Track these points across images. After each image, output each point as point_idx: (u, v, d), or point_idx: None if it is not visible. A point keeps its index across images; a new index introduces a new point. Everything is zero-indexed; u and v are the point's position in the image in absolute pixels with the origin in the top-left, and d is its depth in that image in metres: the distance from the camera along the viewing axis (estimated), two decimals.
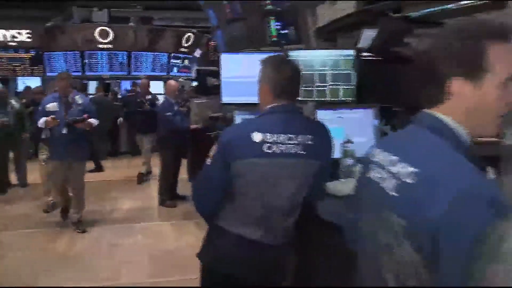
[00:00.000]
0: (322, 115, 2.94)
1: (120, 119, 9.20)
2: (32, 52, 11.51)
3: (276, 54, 2.16)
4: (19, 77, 12.27)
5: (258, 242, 2.04)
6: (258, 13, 5.72)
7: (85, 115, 5.12)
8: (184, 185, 6.98)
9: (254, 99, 2.17)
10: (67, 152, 5.14)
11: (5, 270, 4.41)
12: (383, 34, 2.93)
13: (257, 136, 1.95)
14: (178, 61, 12.45)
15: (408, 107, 3.14)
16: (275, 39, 5.63)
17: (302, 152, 1.98)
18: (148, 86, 7.97)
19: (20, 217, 6.00)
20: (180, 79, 8.76)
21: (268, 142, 1.94)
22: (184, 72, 12.66)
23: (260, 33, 5.71)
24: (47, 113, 5.06)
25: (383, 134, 3.10)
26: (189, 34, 12.55)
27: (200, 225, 5.62)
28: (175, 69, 12.40)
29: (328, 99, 3.27)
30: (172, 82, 6.50)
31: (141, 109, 7.59)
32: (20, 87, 11.49)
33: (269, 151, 1.94)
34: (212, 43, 15.99)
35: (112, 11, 15.80)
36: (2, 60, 11.57)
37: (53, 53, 11.39)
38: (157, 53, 11.93)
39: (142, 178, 8.12)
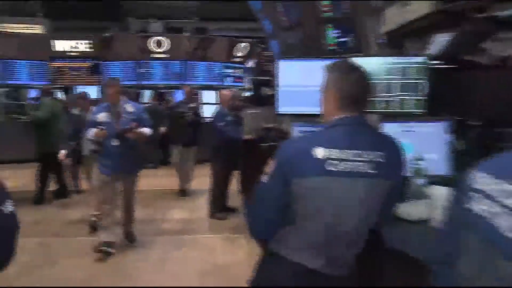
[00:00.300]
0: (388, 129, 2.66)
1: (163, 128, 8.99)
2: (91, 62, 11.80)
3: (343, 59, 1.91)
4: (78, 86, 12.59)
5: (319, 272, 1.80)
6: (315, 20, 5.50)
7: (134, 124, 4.71)
8: (235, 197, 6.82)
9: (314, 110, 1.93)
10: (118, 165, 4.79)
11: (55, 276, 4.37)
12: (461, 38, 2.61)
13: (320, 152, 1.71)
14: (232, 70, 12.39)
15: (486, 121, 2.80)
16: (332, 47, 5.38)
17: (371, 170, 1.72)
18: (192, 94, 7.69)
19: (77, 223, 6.04)
20: (233, 89, 8.60)
21: (332, 159, 1.70)
22: (237, 82, 12.58)
23: (317, 41, 5.47)
24: (96, 124, 4.73)
25: (457, 151, 2.78)
26: (242, 43, 12.47)
27: (251, 240, 5.43)
28: (228, 79, 12.34)
29: (395, 110, 2.97)
30: (225, 91, 6.37)
31: (182, 118, 7.17)
32: None
33: (334, 169, 1.70)
34: (265, 53, 15.91)
35: (168, 22, 16.11)
36: (63, 69, 11.94)
37: (110, 62, 11.62)
38: (211, 63, 11.91)
39: (184, 194, 7.79)
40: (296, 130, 2.91)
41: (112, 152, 4.75)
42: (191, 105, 7.36)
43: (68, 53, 11.86)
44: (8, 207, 1.66)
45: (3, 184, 1.65)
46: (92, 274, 4.49)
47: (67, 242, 5.40)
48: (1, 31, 11.70)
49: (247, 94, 12.10)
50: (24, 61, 11.73)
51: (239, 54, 12.45)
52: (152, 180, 8.69)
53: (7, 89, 12.18)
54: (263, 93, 5.96)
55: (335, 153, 1.71)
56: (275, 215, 1.83)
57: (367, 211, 1.76)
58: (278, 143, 5.79)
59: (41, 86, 11.53)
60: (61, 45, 11.80)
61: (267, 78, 6.51)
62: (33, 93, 12.31)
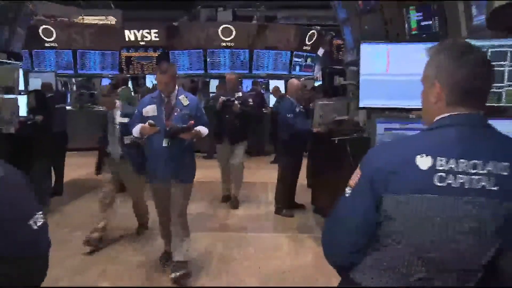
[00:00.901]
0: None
1: None
2: (159, 51, 11.83)
3: (455, 40, 1.47)
4: (148, 75, 12.70)
5: None
6: (396, 3, 4.97)
7: (191, 122, 3.78)
8: (302, 192, 6.46)
9: (405, 103, 1.51)
10: (168, 171, 3.88)
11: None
12: None
13: (424, 161, 1.30)
14: (301, 59, 11.93)
15: None
16: (415, 32, 4.83)
17: (491, 187, 1.28)
18: (236, 82, 6.44)
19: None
20: (302, 79, 8.14)
21: (441, 171, 1.29)
22: (306, 71, 12.12)
23: (397, 26, 4.94)
24: (144, 118, 3.90)
25: None
26: (312, 31, 11.97)
27: (319, 241, 5.04)
28: (297, 68, 11.90)
29: (504, 104, 2.46)
30: (294, 81, 5.98)
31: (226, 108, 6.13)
32: (149, 85, 11.90)
33: (442, 184, 1.28)
34: (336, 41, 15.29)
35: (237, 10, 15.89)
36: (133, 59, 12.06)
37: (177, 51, 11.57)
38: (279, 51, 11.51)
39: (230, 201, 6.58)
40: (381, 128, 2.48)
41: (160, 155, 3.82)
42: (238, 94, 6.23)
43: (138, 43, 11.95)
44: (38, 220, 1.44)
45: (31, 196, 1.41)
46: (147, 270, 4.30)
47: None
48: (76, 22, 11.98)
49: (317, 84, 11.62)
50: (97, 51, 11.97)
51: (309, 42, 11.97)
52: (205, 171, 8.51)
53: (79, 78, 12.53)
54: (337, 82, 5.48)
55: (444, 163, 1.29)
56: (359, 240, 1.44)
57: (484, 240, 1.33)
58: (351, 137, 5.37)
59: (111, 76, 11.78)
60: (131, 35, 11.92)
61: (340, 67, 5.99)
62: (104, 83, 12.58)
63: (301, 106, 5.99)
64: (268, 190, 7.40)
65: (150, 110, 3.91)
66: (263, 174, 8.50)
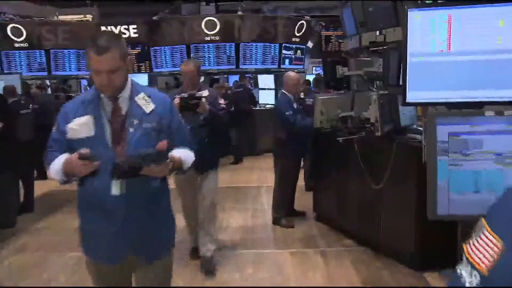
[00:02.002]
0: None
1: None
2: (139, 48, 11.03)
3: None
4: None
5: None
6: None
7: (162, 143, 1.96)
8: (299, 196, 5.82)
9: (478, 95, 0.89)
10: (124, 243, 2.18)
11: None
12: None
13: None
14: (290, 52, 11.20)
15: None
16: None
17: None
18: (196, 75, 4.06)
19: None
20: (295, 71, 7.37)
21: None
22: (297, 64, 11.40)
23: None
24: (71, 144, 2.94)
25: None
26: (301, 22, 11.26)
27: (328, 256, 4.39)
28: (286, 61, 11.17)
29: None
30: (291, 74, 5.27)
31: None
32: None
33: None
34: (325, 32, 14.64)
35: (220, 5, 15.11)
36: None
37: (159, 47, 10.79)
38: (267, 44, 10.78)
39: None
40: (443, 133, 1.78)
41: (106, 214, 2.12)
42: (201, 93, 3.87)
43: None
44: None
45: None
46: None
47: None
48: (48, 20, 11.13)
49: (308, 77, 10.96)
50: (72, 51, 11.15)
51: (298, 34, 11.27)
52: None
53: (55, 80, 11.70)
54: (339, 73, 4.77)
55: None
56: None
57: None
58: (359, 136, 4.70)
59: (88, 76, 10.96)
60: None
61: (341, 56, 5.28)
62: (84, 84, 11.82)
63: (301, 102, 5.32)
64: (263, 195, 6.73)
65: (80, 127, 2.05)
66: (256, 176, 7.82)
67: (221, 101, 4.15)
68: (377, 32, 4.63)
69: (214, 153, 4.10)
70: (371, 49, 5.00)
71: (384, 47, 4.63)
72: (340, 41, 15.31)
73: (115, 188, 2.01)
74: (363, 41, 4.86)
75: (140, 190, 2.06)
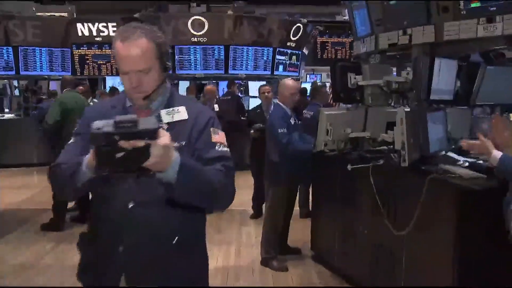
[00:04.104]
0: None
1: None
2: None
3: None
4: (107, 77, 10.94)
5: None
6: None
7: None
8: (295, 225, 4.86)
9: None
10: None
11: None
12: None
13: None
14: (284, 57, 10.20)
15: None
16: (475, 3, 3.24)
17: None
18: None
19: None
20: (289, 79, 6.18)
21: None
22: (291, 71, 10.40)
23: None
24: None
25: None
26: (297, 25, 10.28)
27: None
28: (280, 68, 10.16)
29: None
30: (289, 81, 4.27)
31: None
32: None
33: None
34: (321, 38, 13.72)
35: (212, 7, 14.10)
36: (88, 57, 10.18)
37: None
38: (260, 48, 9.76)
39: None
40: None
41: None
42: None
43: (93, 39, 10.10)
44: None
45: None
46: None
47: None
48: (16, 15, 10.01)
49: (303, 85, 9.97)
50: (44, 49, 10.06)
51: (294, 38, 10.31)
52: None
53: (26, 81, 10.60)
54: (351, 83, 3.73)
55: None
56: None
57: None
58: (374, 163, 3.70)
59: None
60: (85, 30, 10.06)
61: (355, 62, 4.22)
62: (53, 86, 10.76)
63: (298, 116, 4.35)
64: (251, 223, 5.73)
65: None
66: (244, 197, 6.80)
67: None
68: (400, 32, 3.65)
69: None
70: (388, 53, 4.04)
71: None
72: (336, 48, 14.50)
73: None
74: (380, 43, 3.88)
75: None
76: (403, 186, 3.22)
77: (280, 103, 4.24)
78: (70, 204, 5.71)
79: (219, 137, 1.68)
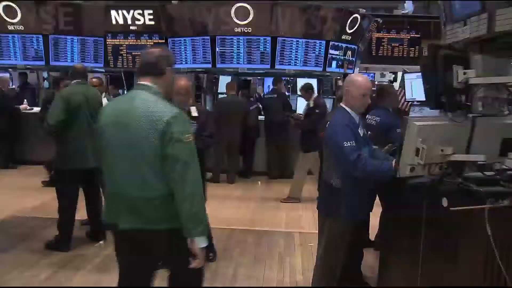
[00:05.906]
0: None
1: None
2: (155, 38, 9.07)
3: None
4: None
5: None
6: None
7: None
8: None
9: None
10: None
11: None
12: None
13: None
14: (338, 52, 9.00)
15: None
16: None
17: None
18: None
19: None
20: (360, 75, 4.79)
21: None
22: (348, 69, 9.19)
23: None
24: None
25: None
26: (355, 15, 9.06)
27: None
28: (333, 64, 8.96)
29: None
30: (360, 78, 3.11)
31: None
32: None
33: None
34: (375, 34, 12.33)
35: None
36: (122, 48, 9.34)
37: (178, 38, 8.79)
38: (311, 40, 8.59)
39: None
40: None
41: None
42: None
43: (128, 28, 9.25)
44: None
45: None
46: None
47: None
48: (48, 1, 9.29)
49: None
50: (75, 37, 9.31)
51: (350, 30, 9.09)
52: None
53: (57, 73, 9.89)
54: (458, 80, 2.55)
55: None
56: None
57: None
58: (493, 205, 2.32)
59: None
60: (119, 18, 9.21)
61: (463, 50, 2.97)
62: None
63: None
64: (297, 250, 4.66)
65: None
66: (288, 214, 5.72)
67: None
68: None
69: None
70: (507, 40, 2.83)
71: None
72: (393, 44, 13.14)
73: None
74: (497, 24, 2.68)
75: None
76: None
77: (345, 106, 3.12)
78: (84, 215, 4.85)
79: None
